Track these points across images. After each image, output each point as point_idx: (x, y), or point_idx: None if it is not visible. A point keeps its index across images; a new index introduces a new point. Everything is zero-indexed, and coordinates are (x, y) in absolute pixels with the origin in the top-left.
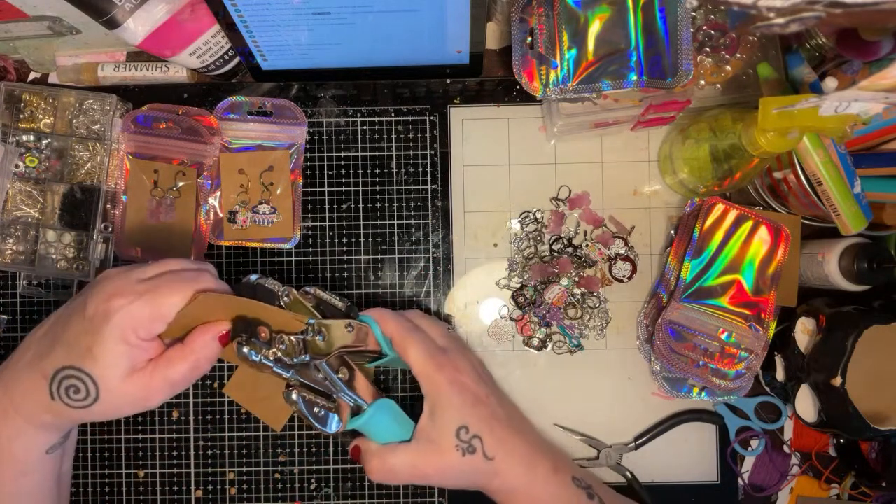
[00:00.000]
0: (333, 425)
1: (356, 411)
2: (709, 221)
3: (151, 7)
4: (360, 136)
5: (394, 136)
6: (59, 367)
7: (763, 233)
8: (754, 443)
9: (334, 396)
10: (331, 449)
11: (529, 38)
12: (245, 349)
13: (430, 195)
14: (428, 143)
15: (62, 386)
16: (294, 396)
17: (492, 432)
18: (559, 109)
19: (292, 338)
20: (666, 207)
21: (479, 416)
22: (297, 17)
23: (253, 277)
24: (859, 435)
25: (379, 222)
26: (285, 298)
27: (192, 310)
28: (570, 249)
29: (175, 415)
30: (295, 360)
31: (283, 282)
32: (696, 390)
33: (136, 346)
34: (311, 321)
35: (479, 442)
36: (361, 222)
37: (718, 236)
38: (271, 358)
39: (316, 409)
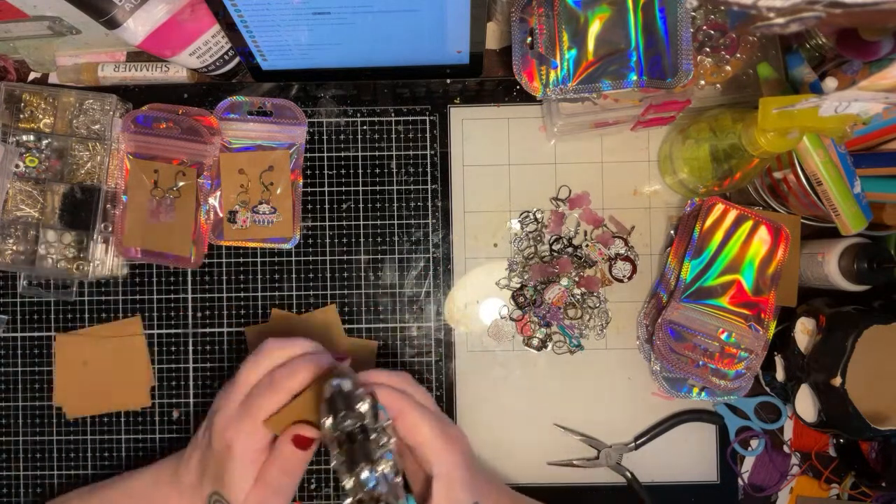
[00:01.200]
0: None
1: None
2: (709, 221)
3: (151, 7)
4: (360, 136)
5: (394, 136)
6: (211, 492)
7: (763, 233)
8: (754, 443)
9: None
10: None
11: (529, 38)
12: (370, 476)
13: (430, 195)
14: (428, 143)
15: None
16: None
17: (488, 496)
18: (559, 109)
19: (389, 464)
20: (666, 207)
21: (482, 486)
22: (297, 17)
23: (335, 383)
24: (859, 435)
25: (379, 222)
26: (366, 403)
27: (284, 417)
28: (570, 249)
29: (175, 414)
30: (397, 480)
31: (284, 282)
32: (696, 390)
33: (261, 459)
34: (383, 423)
35: None
36: (361, 222)
37: (718, 236)
38: (386, 477)
39: None
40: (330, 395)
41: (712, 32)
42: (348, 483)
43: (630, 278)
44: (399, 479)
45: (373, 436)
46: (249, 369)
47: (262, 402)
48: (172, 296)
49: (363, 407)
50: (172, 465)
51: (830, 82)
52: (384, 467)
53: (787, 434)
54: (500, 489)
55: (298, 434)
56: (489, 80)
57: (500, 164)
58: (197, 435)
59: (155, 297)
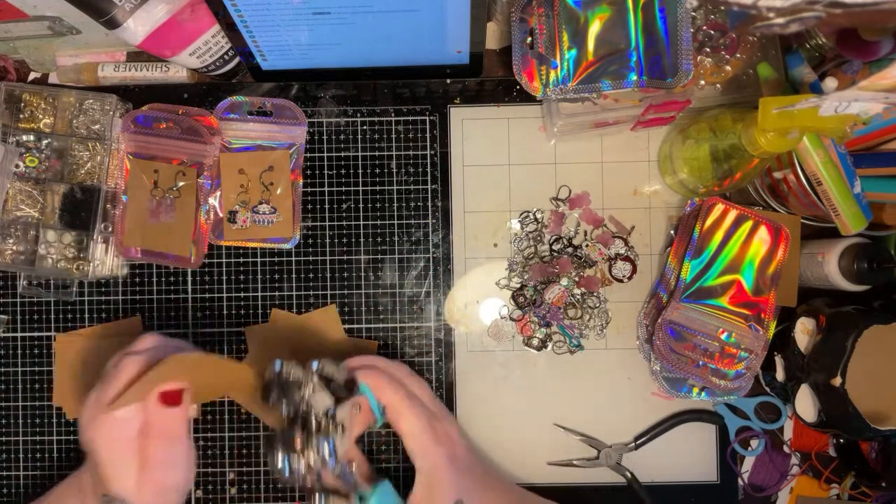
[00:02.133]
0: None
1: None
2: (709, 221)
3: (151, 7)
4: (360, 136)
5: (394, 136)
6: (101, 495)
7: (763, 233)
8: (754, 443)
9: (345, 491)
10: None
11: (529, 38)
12: (280, 465)
13: (430, 195)
14: (428, 143)
15: None
16: (318, 499)
17: (481, 499)
18: (559, 109)
19: (325, 445)
20: (666, 207)
21: (471, 486)
22: (297, 17)
23: (277, 366)
24: (859, 435)
25: (379, 222)
26: (308, 388)
27: (133, 392)
28: (570, 249)
29: None
30: (330, 468)
31: (284, 282)
32: (696, 390)
33: (135, 449)
34: (332, 411)
35: None
36: (361, 222)
37: (718, 236)
38: (305, 468)
39: None
40: (267, 379)
41: (712, 32)
42: (273, 461)
43: (630, 278)
44: (337, 468)
45: (320, 422)
46: (115, 360)
47: (108, 390)
48: (172, 296)
49: (306, 393)
50: (78, 474)
51: (830, 82)
52: (312, 457)
53: (787, 434)
54: (498, 489)
55: (163, 391)
56: (489, 80)
57: (500, 164)
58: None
59: (155, 297)
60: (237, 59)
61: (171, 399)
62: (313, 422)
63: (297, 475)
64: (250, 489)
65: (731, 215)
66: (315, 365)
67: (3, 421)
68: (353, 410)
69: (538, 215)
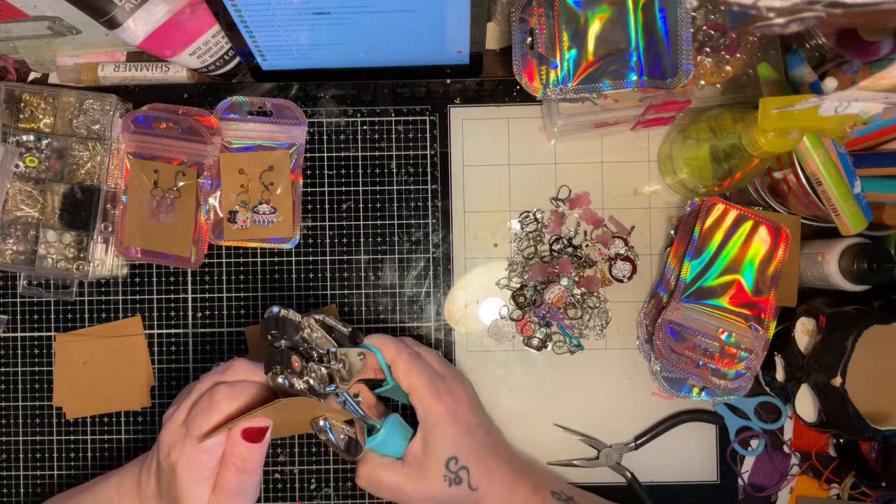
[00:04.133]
0: (358, 451)
1: (369, 431)
2: (709, 221)
3: (151, 7)
4: (360, 136)
5: (394, 136)
6: None
7: (763, 233)
8: (754, 443)
9: (353, 420)
10: (331, 449)
11: (529, 38)
12: (280, 379)
13: (430, 195)
14: (428, 143)
15: None
16: (322, 423)
17: (479, 462)
18: (559, 109)
19: (322, 368)
20: (666, 207)
21: (469, 447)
22: (297, 17)
23: (275, 309)
24: (859, 435)
25: (379, 222)
26: (307, 330)
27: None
28: (570, 249)
29: None
30: (326, 390)
31: (284, 282)
32: (696, 390)
33: (214, 473)
34: (333, 350)
35: (466, 473)
36: (361, 222)
37: (718, 236)
38: (304, 387)
39: (342, 437)
40: (265, 318)
41: (712, 32)
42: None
43: (630, 278)
44: (340, 397)
45: (320, 355)
46: (207, 384)
47: (201, 422)
48: (172, 296)
49: (304, 334)
50: (136, 472)
51: (830, 82)
52: (307, 379)
53: (787, 434)
54: (490, 447)
55: (248, 427)
56: (489, 80)
57: (500, 164)
58: (149, 465)
59: (155, 297)
60: (237, 59)
61: (255, 436)
62: (314, 355)
63: (295, 390)
64: None
65: (731, 215)
66: (318, 315)
67: (3, 421)
68: (357, 357)
69: (538, 215)
